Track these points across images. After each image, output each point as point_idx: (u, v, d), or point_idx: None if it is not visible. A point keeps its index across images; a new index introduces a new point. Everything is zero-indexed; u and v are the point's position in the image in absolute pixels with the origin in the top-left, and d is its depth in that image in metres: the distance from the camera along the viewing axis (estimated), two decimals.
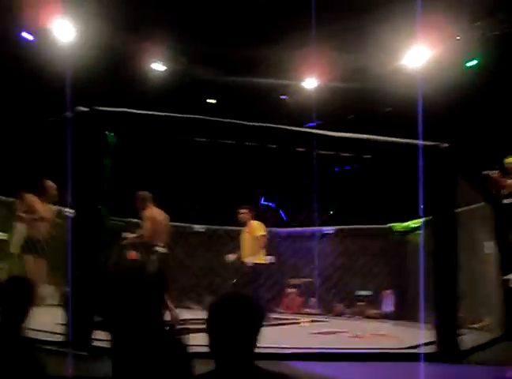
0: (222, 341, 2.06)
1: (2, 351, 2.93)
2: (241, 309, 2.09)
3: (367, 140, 5.93)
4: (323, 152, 5.82)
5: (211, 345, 2.08)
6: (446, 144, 5.94)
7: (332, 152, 6.01)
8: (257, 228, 8.71)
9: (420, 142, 5.91)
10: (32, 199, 7.84)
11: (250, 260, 8.60)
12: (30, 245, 7.58)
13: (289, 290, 12.56)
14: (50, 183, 8.03)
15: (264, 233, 8.70)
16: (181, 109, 5.67)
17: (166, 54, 13.04)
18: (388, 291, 11.67)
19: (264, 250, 8.72)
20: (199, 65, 12.76)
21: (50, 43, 11.37)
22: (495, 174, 8.62)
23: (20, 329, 3.09)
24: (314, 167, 7.19)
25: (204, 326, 2.10)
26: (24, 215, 7.71)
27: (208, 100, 13.66)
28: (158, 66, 13.28)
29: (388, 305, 11.61)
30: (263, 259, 8.68)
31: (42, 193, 7.83)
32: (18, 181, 9.31)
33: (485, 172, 8.62)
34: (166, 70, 13.42)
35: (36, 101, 10.87)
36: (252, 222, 8.79)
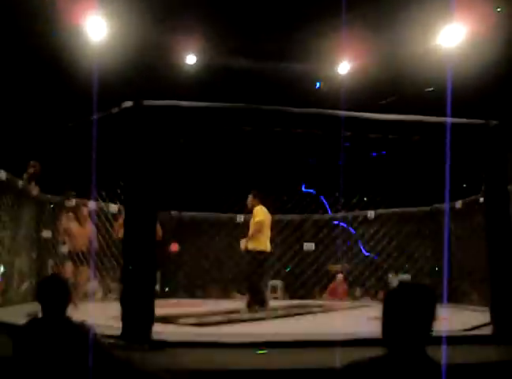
0: (398, 329, 2.09)
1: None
2: (417, 297, 2.12)
3: (413, 121, 5.85)
4: (371, 136, 5.76)
5: (386, 332, 2.12)
6: (496, 122, 5.82)
7: (378, 135, 5.94)
8: (256, 214, 8.46)
9: (467, 121, 5.83)
10: (67, 224, 9.50)
11: (242, 245, 8.52)
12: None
13: (339, 276, 12.49)
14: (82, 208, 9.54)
15: (261, 218, 8.36)
16: (216, 100, 5.66)
17: (198, 45, 13.04)
18: None
19: (263, 236, 8.37)
20: (232, 55, 12.72)
21: (82, 40, 11.48)
22: None
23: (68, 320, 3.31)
24: (355, 151, 7.18)
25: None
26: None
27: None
28: (191, 59, 13.30)
29: None
30: (260, 245, 8.31)
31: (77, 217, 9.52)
32: (65, 180, 9.52)
33: None
34: (197, 62, 13.43)
35: (71, 100, 11.02)
36: (256, 207, 8.52)
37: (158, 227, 9.22)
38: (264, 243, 8.35)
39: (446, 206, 10.07)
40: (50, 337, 3.19)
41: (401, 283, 2.36)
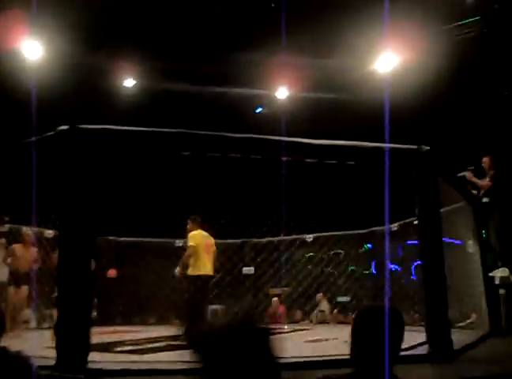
0: (367, 350, 2.13)
1: None
2: (387, 319, 2.16)
3: (348, 146, 5.97)
4: (308, 160, 5.85)
5: (354, 353, 2.16)
6: (427, 147, 6.01)
7: (314, 160, 6.03)
8: (188, 239, 8.50)
9: (401, 146, 6.00)
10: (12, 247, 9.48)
11: (176, 271, 8.60)
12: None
13: (272, 299, 12.54)
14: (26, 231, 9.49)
15: (191, 243, 8.37)
16: (155, 124, 5.65)
17: (135, 70, 13.01)
18: None
19: (199, 260, 8.33)
20: (170, 79, 12.73)
21: (19, 63, 11.27)
22: (469, 174, 8.82)
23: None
24: (283, 176, 7.27)
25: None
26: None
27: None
28: (128, 82, 13.24)
29: None
30: (195, 270, 8.30)
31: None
32: None
33: (460, 174, 8.81)
34: (136, 85, 13.39)
35: (7, 123, 10.76)
36: (190, 233, 8.54)
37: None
38: (200, 268, 8.30)
39: (386, 228, 10.29)
40: None
41: (370, 306, 2.43)
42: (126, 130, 5.23)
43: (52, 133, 5.30)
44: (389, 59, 11.76)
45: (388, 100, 8.91)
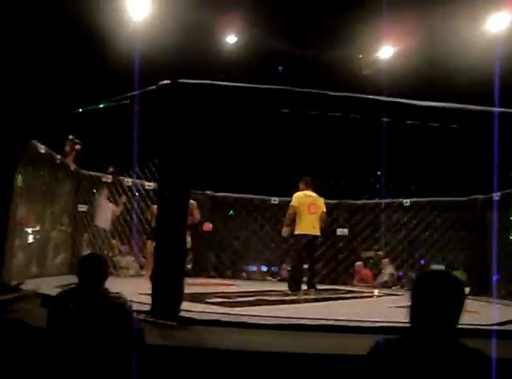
0: (426, 315, 2.11)
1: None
2: (447, 285, 2.14)
3: (455, 109, 5.71)
4: (409, 122, 5.65)
5: (414, 317, 2.14)
6: None
7: (417, 122, 5.82)
8: (292, 199, 8.81)
9: (508, 110, 5.67)
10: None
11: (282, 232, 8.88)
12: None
13: (360, 263, 12.43)
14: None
15: (292, 204, 8.70)
16: (256, 81, 5.62)
17: (238, 26, 12.98)
18: None
19: (299, 220, 8.60)
20: (273, 36, 12.63)
21: (124, 20, 11.54)
22: None
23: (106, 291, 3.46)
24: (382, 137, 7.08)
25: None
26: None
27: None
28: (231, 39, 13.26)
29: None
30: (296, 229, 8.62)
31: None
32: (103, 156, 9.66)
33: None
34: (237, 42, 13.39)
35: (112, 79, 11.11)
36: (294, 194, 8.84)
37: (196, 210, 9.38)
38: (302, 227, 8.54)
39: (494, 196, 9.90)
40: (84, 307, 3.31)
41: (431, 271, 2.36)
42: (226, 85, 5.24)
43: (154, 87, 5.41)
44: (502, 19, 11.07)
45: (499, 62, 8.47)
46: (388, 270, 12.13)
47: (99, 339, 3.21)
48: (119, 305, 3.39)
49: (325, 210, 8.90)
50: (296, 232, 8.63)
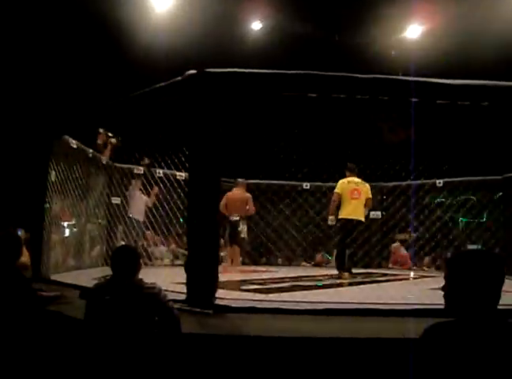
0: (462, 296, 2.06)
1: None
2: (483, 263, 2.08)
3: (485, 85, 5.59)
4: (440, 102, 5.57)
5: (450, 300, 2.10)
6: None
7: (447, 101, 5.73)
8: (336, 185, 9.15)
9: None
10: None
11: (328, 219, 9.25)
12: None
13: (396, 244, 12.35)
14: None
15: (335, 191, 9.05)
16: (282, 67, 5.60)
17: (263, 12, 12.94)
18: None
19: (343, 205, 8.92)
20: (298, 21, 12.56)
21: (148, 12, 11.61)
22: None
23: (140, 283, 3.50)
24: (412, 117, 6.99)
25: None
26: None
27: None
28: (256, 25, 13.23)
29: None
30: (341, 214, 8.95)
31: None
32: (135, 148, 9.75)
33: None
34: (262, 29, 13.35)
35: (135, 70, 11.19)
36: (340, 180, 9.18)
37: (251, 202, 10.11)
38: (345, 212, 8.89)
39: None
40: (120, 298, 3.38)
41: (466, 250, 2.31)
42: (253, 73, 5.23)
43: (180, 78, 5.43)
44: None
45: None
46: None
47: (135, 329, 3.28)
48: (153, 294, 3.43)
49: (370, 196, 9.14)
50: (340, 216, 8.94)
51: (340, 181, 9.09)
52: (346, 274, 8.65)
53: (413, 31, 13.10)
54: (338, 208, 8.99)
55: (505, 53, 10.88)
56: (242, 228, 10.13)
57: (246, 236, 10.42)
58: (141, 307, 3.35)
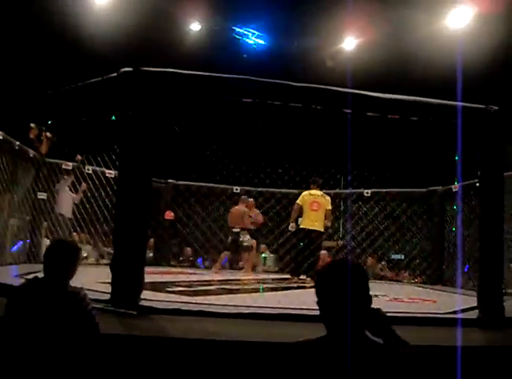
0: (332, 307, 2.05)
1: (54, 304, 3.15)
2: (347, 273, 2.06)
3: (414, 101, 5.80)
4: (370, 114, 5.72)
5: (321, 312, 2.10)
6: (496, 108, 5.77)
7: (377, 114, 5.89)
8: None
9: (468, 105, 5.79)
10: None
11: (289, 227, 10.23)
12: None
13: (324, 252, 12.56)
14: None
15: (297, 201, 9.99)
16: (218, 69, 5.62)
17: (202, 14, 12.91)
18: None
19: (302, 217, 9.87)
20: (237, 25, 12.61)
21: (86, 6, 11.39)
22: None
23: (67, 285, 3.29)
24: (346, 128, 7.18)
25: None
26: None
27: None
28: (194, 26, 13.19)
29: None
30: (301, 224, 9.91)
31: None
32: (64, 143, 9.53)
33: None
34: (201, 30, 13.33)
35: (75, 63, 10.93)
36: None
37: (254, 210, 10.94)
38: (305, 222, 9.82)
39: (458, 186, 10.07)
40: (44, 300, 3.17)
41: (332, 261, 2.32)
42: (188, 74, 5.22)
43: (115, 74, 5.35)
44: (462, 14, 11.27)
45: (460, 57, 8.62)
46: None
47: (53, 331, 3.09)
48: (73, 293, 3.25)
49: (329, 208, 9.97)
50: (300, 226, 9.81)
51: (303, 193, 9.93)
52: (296, 278, 9.48)
53: (349, 43, 13.38)
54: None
55: (434, 70, 11.26)
56: (243, 238, 11.06)
57: (249, 244, 11.24)
58: (62, 312, 3.14)
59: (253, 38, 13.60)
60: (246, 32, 13.51)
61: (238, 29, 13.44)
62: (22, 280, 3.54)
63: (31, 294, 3.21)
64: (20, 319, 3.16)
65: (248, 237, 11.16)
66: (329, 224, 10.29)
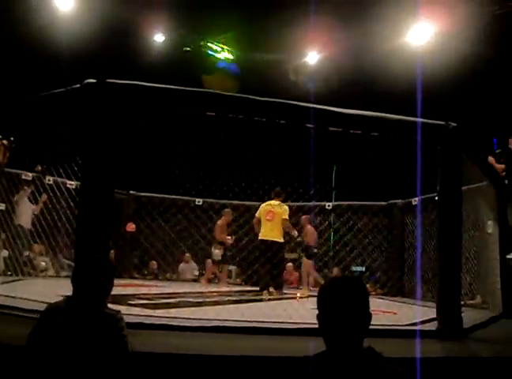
0: (331, 322, 2.08)
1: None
2: (349, 290, 2.12)
3: (375, 117, 5.90)
4: (332, 129, 5.81)
5: (321, 328, 2.12)
6: (454, 124, 5.92)
7: (338, 129, 5.97)
8: None
9: (428, 121, 5.92)
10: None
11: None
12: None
13: (289, 264, 12.61)
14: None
15: (256, 214, 10.04)
16: (180, 82, 5.63)
17: (166, 25, 12.92)
18: None
19: (260, 229, 9.81)
20: (199, 36, 12.65)
21: (50, 14, 11.26)
22: (491, 158, 8.72)
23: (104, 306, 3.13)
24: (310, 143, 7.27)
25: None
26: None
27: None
28: (158, 37, 13.19)
29: None
30: (260, 236, 9.84)
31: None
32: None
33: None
34: (165, 41, 13.33)
35: (34, 73, 10.78)
36: None
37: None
38: (262, 233, 9.71)
39: (417, 200, 10.24)
40: (79, 322, 2.93)
41: (334, 278, 2.39)
42: (152, 87, 5.21)
43: (78, 85, 5.32)
44: (423, 31, 11.53)
45: (420, 74, 8.81)
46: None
47: (86, 354, 2.85)
48: (109, 315, 3.05)
49: (285, 217, 9.70)
50: (259, 238, 9.74)
51: (261, 205, 9.88)
52: (275, 291, 9.29)
53: (312, 57, 13.53)
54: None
55: (395, 86, 11.47)
56: (213, 251, 11.23)
57: (219, 258, 11.23)
58: (97, 335, 2.90)
59: (222, 53, 13.67)
60: (215, 47, 13.56)
61: (208, 44, 13.48)
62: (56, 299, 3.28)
63: (65, 315, 2.96)
64: (52, 341, 2.89)
65: (216, 251, 11.16)
66: (295, 234, 10.22)
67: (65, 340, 2.84)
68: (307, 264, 11.44)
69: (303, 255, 11.59)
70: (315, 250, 11.62)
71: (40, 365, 2.83)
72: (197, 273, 12.91)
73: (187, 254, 12.80)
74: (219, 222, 11.44)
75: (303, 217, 11.76)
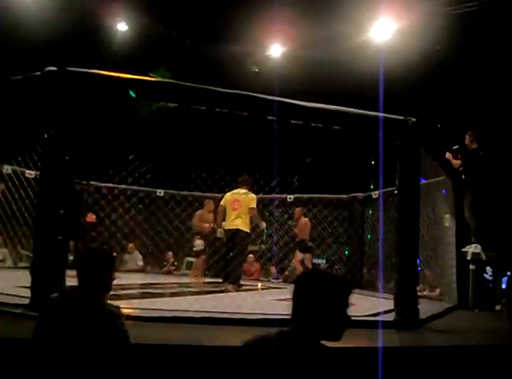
0: (304, 312, 2.17)
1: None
2: (326, 284, 2.19)
3: (337, 111, 5.97)
4: (293, 122, 5.86)
5: (293, 314, 2.21)
6: (414, 119, 6.03)
7: (300, 122, 6.02)
8: None
9: (388, 116, 6.02)
10: None
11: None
12: None
13: (250, 256, 12.64)
14: None
15: (220, 203, 9.50)
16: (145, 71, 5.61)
17: (128, 15, 12.79)
18: None
19: (225, 218, 9.29)
20: (163, 27, 12.55)
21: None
22: (448, 154, 8.92)
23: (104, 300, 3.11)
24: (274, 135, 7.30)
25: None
26: None
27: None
28: (121, 26, 13.04)
29: None
30: (224, 225, 9.36)
31: None
32: None
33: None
34: (128, 31, 13.20)
35: None
36: None
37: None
38: (227, 223, 9.20)
39: (379, 192, 10.36)
40: (79, 315, 2.92)
41: (314, 271, 2.46)
42: (112, 76, 5.17)
43: (39, 73, 5.24)
44: (385, 27, 11.67)
45: (382, 69, 8.92)
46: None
47: (86, 348, 2.83)
48: (109, 312, 3.00)
49: (252, 206, 9.25)
50: (224, 228, 9.25)
51: (226, 194, 9.40)
52: (230, 286, 8.67)
53: (275, 50, 13.54)
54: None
55: (358, 80, 11.58)
56: (195, 241, 10.89)
57: (198, 249, 10.83)
58: (97, 329, 2.88)
59: None
60: None
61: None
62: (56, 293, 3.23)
63: (65, 308, 2.95)
64: (53, 334, 2.88)
65: (197, 241, 10.84)
66: (263, 225, 9.88)
67: (68, 335, 2.84)
68: (299, 257, 11.38)
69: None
70: (310, 244, 11.58)
71: (44, 359, 2.83)
72: (141, 263, 12.80)
73: (131, 244, 12.65)
74: (198, 211, 11.22)
75: (297, 209, 11.73)
